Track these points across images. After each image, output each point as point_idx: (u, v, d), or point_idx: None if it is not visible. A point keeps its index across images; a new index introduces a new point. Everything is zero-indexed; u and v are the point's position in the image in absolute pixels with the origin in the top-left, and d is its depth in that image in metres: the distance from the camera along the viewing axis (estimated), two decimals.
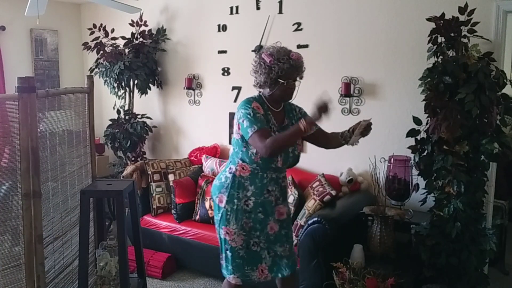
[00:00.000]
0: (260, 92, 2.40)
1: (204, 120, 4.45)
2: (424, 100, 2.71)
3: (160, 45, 4.60)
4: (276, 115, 2.38)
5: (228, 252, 2.38)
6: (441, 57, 2.70)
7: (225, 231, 2.37)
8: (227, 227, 2.36)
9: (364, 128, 2.22)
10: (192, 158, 4.21)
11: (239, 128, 2.30)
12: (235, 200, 2.34)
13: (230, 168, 2.39)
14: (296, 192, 3.25)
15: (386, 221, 2.85)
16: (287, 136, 2.21)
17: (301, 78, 2.37)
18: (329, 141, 2.47)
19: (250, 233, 2.37)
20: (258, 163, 2.29)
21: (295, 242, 3.06)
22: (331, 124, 3.60)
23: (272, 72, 2.25)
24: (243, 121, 2.25)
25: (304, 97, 3.75)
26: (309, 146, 3.79)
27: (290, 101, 2.43)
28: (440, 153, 2.67)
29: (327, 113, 2.14)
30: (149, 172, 3.88)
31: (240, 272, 2.38)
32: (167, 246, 3.68)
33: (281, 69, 2.24)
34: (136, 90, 4.58)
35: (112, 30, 4.54)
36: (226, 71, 4.23)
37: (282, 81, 2.27)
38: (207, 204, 3.60)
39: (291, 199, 3.23)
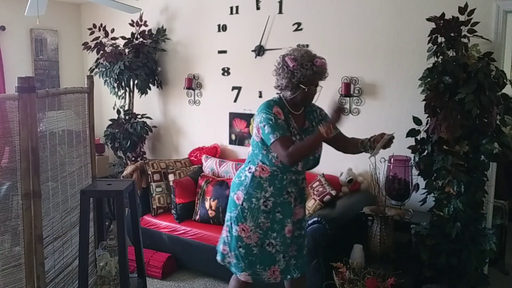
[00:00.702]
0: (280, 94, 2.38)
1: (204, 120, 4.45)
2: (424, 100, 2.71)
3: (160, 45, 4.60)
4: (297, 118, 2.37)
5: (241, 249, 2.36)
6: (441, 57, 2.70)
7: (241, 228, 2.35)
8: (243, 223, 2.35)
9: (386, 142, 2.24)
10: (192, 158, 4.21)
11: (259, 132, 2.28)
12: (253, 199, 2.34)
13: (249, 168, 2.38)
14: None
15: (386, 221, 2.85)
16: (309, 143, 2.23)
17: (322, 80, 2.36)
18: (349, 146, 2.47)
19: (266, 233, 2.36)
20: (278, 166, 2.29)
21: None
22: None
23: (295, 77, 2.22)
24: (264, 126, 2.24)
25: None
26: None
27: (309, 105, 2.43)
28: (440, 153, 2.67)
29: (343, 114, 2.16)
30: (149, 172, 3.88)
31: (251, 270, 2.37)
32: (167, 246, 3.68)
33: (303, 75, 2.22)
34: (136, 90, 4.58)
35: (112, 30, 4.54)
36: (226, 71, 4.23)
37: (304, 87, 2.24)
38: (207, 204, 3.60)
39: None
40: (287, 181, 2.35)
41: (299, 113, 2.38)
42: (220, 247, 2.50)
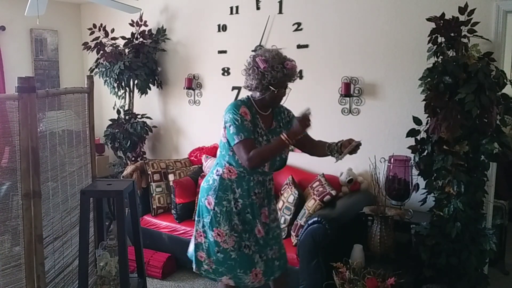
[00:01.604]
0: (249, 95, 2.38)
1: (204, 120, 4.45)
2: (424, 100, 2.71)
3: (160, 45, 4.60)
4: (264, 118, 2.37)
5: (219, 254, 2.35)
6: (441, 57, 2.70)
7: (216, 233, 2.34)
8: (218, 228, 2.34)
9: (353, 148, 2.24)
10: (192, 158, 4.21)
11: (225, 131, 2.29)
12: (224, 202, 2.34)
13: (217, 171, 2.38)
14: (296, 192, 3.25)
15: (386, 221, 2.85)
16: (271, 149, 2.24)
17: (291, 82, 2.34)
18: (315, 149, 2.45)
19: (241, 235, 2.35)
20: (244, 167, 2.27)
21: (294, 242, 3.07)
22: (331, 124, 3.62)
23: (265, 79, 2.22)
24: (229, 126, 2.24)
25: (304, 97, 3.76)
26: None
27: (277, 107, 2.42)
28: (440, 153, 2.67)
29: (309, 125, 2.15)
30: (149, 172, 3.88)
31: (232, 274, 2.36)
32: (167, 246, 3.68)
33: (274, 77, 2.21)
34: (136, 90, 4.58)
35: (112, 30, 4.54)
36: (226, 71, 4.23)
37: (273, 89, 2.24)
38: None
39: (291, 199, 3.23)
40: (254, 182, 2.35)
41: (267, 114, 2.38)
42: (196, 254, 2.44)
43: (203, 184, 2.46)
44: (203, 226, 2.40)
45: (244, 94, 4.08)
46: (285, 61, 2.25)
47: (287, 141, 2.14)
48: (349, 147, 2.24)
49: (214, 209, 2.34)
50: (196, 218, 2.48)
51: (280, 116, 2.45)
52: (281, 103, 2.39)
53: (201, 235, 2.42)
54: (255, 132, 2.28)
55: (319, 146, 2.42)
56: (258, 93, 2.30)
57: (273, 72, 2.20)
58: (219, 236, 2.34)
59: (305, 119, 2.13)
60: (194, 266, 2.47)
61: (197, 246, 2.43)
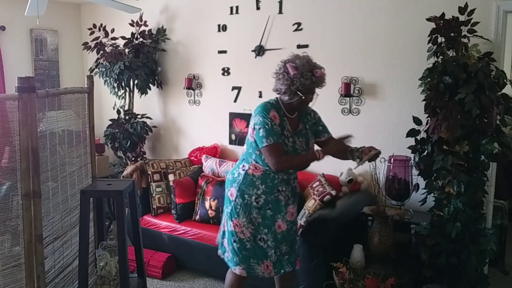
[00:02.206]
0: (278, 97, 2.46)
1: (204, 120, 4.45)
2: (424, 100, 2.71)
3: (160, 45, 4.60)
4: (291, 121, 2.45)
5: (235, 244, 2.46)
6: (441, 57, 2.70)
7: (234, 223, 2.46)
8: (237, 219, 2.46)
9: (373, 156, 2.34)
10: (192, 158, 4.21)
11: (253, 133, 2.37)
12: (246, 196, 2.44)
13: (243, 166, 2.48)
14: None
15: (386, 221, 2.85)
16: (302, 161, 2.38)
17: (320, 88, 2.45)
18: (338, 152, 2.53)
19: (258, 228, 2.46)
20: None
21: None
22: (332, 124, 3.61)
23: (294, 85, 2.30)
24: (259, 129, 2.33)
25: None
26: None
27: (304, 111, 2.53)
28: (440, 153, 2.67)
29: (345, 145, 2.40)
30: (149, 172, 3.88)
31: (245, 264, 2.46)
32: (167, 246, 3.68)
33: (302, 84, 2.30)
34: (136, 90, 4.58)
35: (112, 30, 4.54)
36: (226, 71, 4.23)
37: (301, 95, 2.33)
38: (207, 204, 3.60)
39: None
40: (278, 180, 2.45)
41: (293, 117, 2.47)
42: (222, 240, 2.59)
43: (228, 176, 2.58)
44: (225, 216, 2.55)
45: (245, 93, 4.10)
46: (314, 68, 2.34)
47: (319, 157, 2.30)
48: (369, 155, 2.33)
49: (235, 200, 2.46)
50: (223, 207, 2.63)
51: (306, 118, 2.54)
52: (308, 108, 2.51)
53: (223, 224, 2.57)
54: (282, 135, 2.37)
55: (342, 150, 2.49)
56: (286, 97, 2.38)
57: (302, 79, 2.29)
58: (237, 226, 2.45)
59: (340, 145, 2.36)
60: (220, 251, 2.62)
61: (223, 234, 2.58)
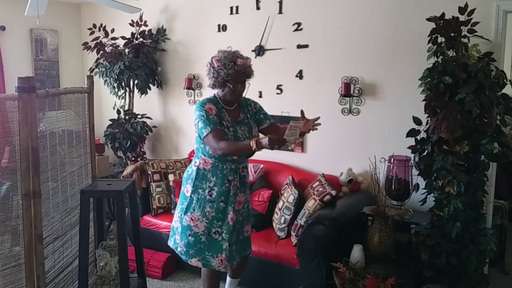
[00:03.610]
0: (215, 93, 2.64)
1: None
2: (424, 100, 2.71)
3: (160, 45, 4.60)
4: (231, 112, 2.60)
5: (190, 237, 2.57)
6: (441, 57, 2.70)
7: (190, 217, 2.58)
8: (192, 213, 2.57)
9: (293, 129, 2.25)
10: (192, 158, 4.20)
11: (196, 128, 2.52)
12: (200, 190, 2.57)
13: (195, 162, 2.63)
14: (296, 192, 3.25)
15: (386, 221, 2.85)
16: (237, 148, 2.43)
17: (250, 78, 2.58)
18: (280, 133, 2.52)
19: (212, 222, 2.56)
20: (215, 156, 2.52)
21: (294, 242, 3.07)
22: (331, 124, 3.62)
23: (220, 76, 2.48)
24: (198, 122, 2.49)
25: (304, 97, 3.76)
26: (309, 147, 3.80)
27: (239, 101, 2.63)
28: (440, 153, 2.67)
29: (276, 148, 2.26)
30: (149, 172, 3.88)
31: (200, 256, 2.57)
32: (167, 246, 3.66)
33: (226, 74, 2.46)
34: (136, 90, 4.58)
35: (112, 30, 4.54)
36: None
37: (230, 85, 2.49)
38: None
39: (291, 198, 3.23)
40: (227, 170, 2.55)
41: (233, 108, 2.62)
42: (175, 236, 2.68)
43: (185, 174, 2.71)
44: (179, 212, 2.65)
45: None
46: (236, 58, 2.49)
47: (253, 148, 2.31)
48: (288, 127, 2.24)
49: (190, 196, 2.59)
50: (177, 204, 2.74)
51: (247, 109, 2.69)
52: (242, 97, 2.61)
53: (176, 221, 2.67)
54: (221, 125, 2.50)
55: (282, 132, 2.47)
56: (219, 91, 2.57)
57: (226, 70, 2.46)
58: (192, 220, 2.57)
59: (275, 141, 2.23)
60: (171, 244, 2.71)
61: (176, 230, 2.67)
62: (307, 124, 2.38)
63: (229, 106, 2.59)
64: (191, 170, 2.63)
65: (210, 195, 2.55)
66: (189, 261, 2.61)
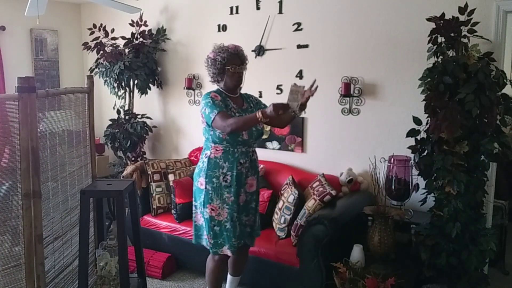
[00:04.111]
0: (218, 87, 2.74)
1: None
2: (424, 100, 2.71)
3: (160, 45, 4.60)
4: (235, 100, 2.71)
5: (216, 227, 2.64)
6: (441, 57, 2.70)
7: (210, 208, 2.63)
8: (211, 204, 2.63)
9: (294, 93, 2.42)
10: (192, 158, 4.21)
11: (203, 117, 2.61)
12: (214, 179, 2.62)
13: (205, 154, 2.69)
14: (296, 191, 3.25)
15: (386, 221, 2.85)
16: (245, 121, 2.52)
17: (246, 64, 2.73)
18: (282, 120, 2.75)
19: (233, 206, 2.63)
20: (227, 139, 2.60)
21: (294, 242, 3.07)
22: (331, 124, 3.62)
23: (216, 62, 2.61)
24: (205, 110, 2.58)
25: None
26: (309, 146, 3.80)
27: (240, 85, 2.74)
28: (440, 153, 2.67)
29: (280, 113, 2.38)
30: (149, 172, 3.88)
31: (229, 243, 2.63)
32: (167, 246, 3.68)
33: (222, 57, 2.61)
34: (136, 90, 4.58)
35: (112, 30, 4.54)
36: None
37: (228, 67, 2.61)
38: None
39: (291, 198, 3.23)
40: (238, 153, 2.63)
41: (236, 96, 2.75)
42: (200, 234, 2.74)
43: (195, 171, 2.76)
44: (199, 208, 2.70)
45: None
46: (228, 45, 2.67)
47: (260, 118, 2.41)
48: (289, 92, 2.42)
49: (206, 187, 2.64)
50: (193, 204, 2.76)
51: (249, 99, 2.84)
52: (242, 82, 2.72)
53: (198, 218, 2.72)
54: (228, 110, 2.61)
55: (284, 116, 2.66)
56: (221, 80, 2.67)
57: (221, 54, 2.61)
58: (213, 210, 2.63)
59: (279, 107, 2.37)
60: (194, 240, 2.79)
61: (197, 228, 2.74)
62: (306, 92, 2.47)
63: (233, 94, 2.71)
64: (201, 163, 2.70)
65: (226, 181, 2.61)
66: (220, 251, 2.67)
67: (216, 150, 2.63)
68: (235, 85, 2.69)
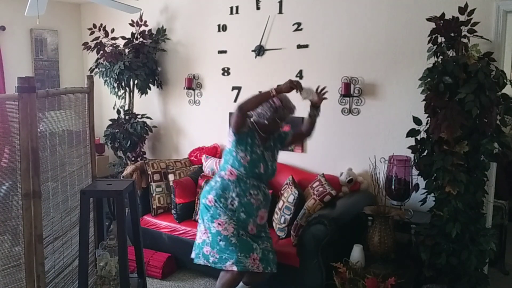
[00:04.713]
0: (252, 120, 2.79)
1: (204, 120, 4.45)
2: (424, 100, 2.71)
3: (160, 45, 4.60)
4: (261, 137, 2.77)
5: (222, 242, 2.65)
6: (441, 57, 2.70)
7: (217, 223, 2.68)
8: (218, 219, 2.69)
9: (307, 92, 2.70)
10: (192, 158, 4.21)
11: (230, 137, 2.71)
12: (222, 199, 2.71)
13: (219, 174, 2.80)
14: (296, 192, 3.25)
15: (386, 221, 2.85)
16: (257, 96, 2.69)
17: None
18: (305, 130, 2.92)
19: (238, 223, 2.69)
20: (245, 166, 2.68)
21: (294, 242, 3.07)
22: (331, 124, 3.62)
23: (277, 112, 2.67)
24: (230, 122, 2.89)
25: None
26: (309, 146, 3.80)
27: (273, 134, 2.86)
28: (440, 153, 2.67)
29: (294, 87, 2.63)
30: (149, 172, 3.88)
31: (234, 258, 2.62)
32: (167, 246, 3.68)
33: (283, 114, 2.69)
34: (136, 90, 4.58)
35: (112, 30, 4.53)
36: (226, 71, 4.23)
37: (279, 121, 2.71)
38: None
39: (291, 198, 3.23)
40: (250, 185, 2.71)
41: (264, 136, 2.80)
42: (203, 250, 2.75)
43: (206, 187, 2.85)
44: (205, 223, 2.74)
45: (245, 93, 4.10)
46: (292, 106, 2.74)
47: (272, 92, 2.61)
48: (303, 91, 2.68)
49: (214, 204, 2.72)
50: (199, 221, 2.84)
51: (273, 136, 2.87)
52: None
53: (204, 233, 2.75)
54: (252, 142, 2.71)
55: (304, 124, 2.90)
56: (265, 121, 2.71)
57: (285, 111, 2.69)
58: (219, 225, 2.68)
59: (293, 81, 2.62)
60: (200, 261, 2.77)
61: (203, 243, 2.76)
62: (319, 95, 2.75)
63: (262, 133, 2.78)
64: (214, 182, 2.79)
65: (232, 205, 2.70)
66: (224, 266, 2.65)
67: (231, 173, 2.72)
68: (271, 133, 2.80)
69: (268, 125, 2.72)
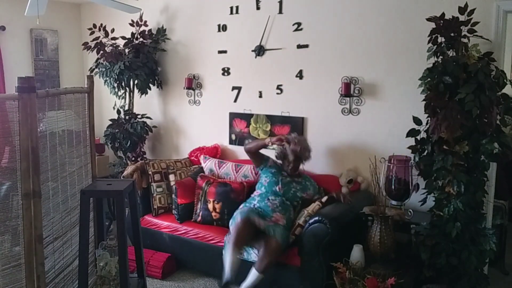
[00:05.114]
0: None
1: (204, 120, 4.45)
2: (424, 100, 2.71)
3: (160, 45, 4.60)
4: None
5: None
6: (441, 57, 2.70)
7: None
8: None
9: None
10: (193, 158, 4.21)
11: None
12: (247, 204, 3.30)
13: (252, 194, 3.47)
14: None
15: (386, 221, 2.85)
16: (256, 143, 3.47)
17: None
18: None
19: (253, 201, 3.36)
20: (265, 186, 3.35)
21: (292, 239, 3.07)
22: (331, 124, 3.62)
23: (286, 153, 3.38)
24: None
25: (304, 97, 3.76)
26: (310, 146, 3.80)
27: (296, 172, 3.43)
28: (440, 153, 2.67)
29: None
30: (150, 172, 3.88)
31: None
32: (168, 246, 3.67)
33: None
34: (136, 90, 4.58)
35: (112, 30, 4.54)
36: (226, 71, 4.23)
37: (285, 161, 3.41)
38: (210, 206, 3.56)
39: None
40: (269, 200, 3.24)
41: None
42: None
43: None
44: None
45: (245, 93, 4.11)
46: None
47: (269, 143, 3.35)
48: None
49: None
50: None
51: (306, 178, 3.41)
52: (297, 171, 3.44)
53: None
54: (279, 172, 3.40)
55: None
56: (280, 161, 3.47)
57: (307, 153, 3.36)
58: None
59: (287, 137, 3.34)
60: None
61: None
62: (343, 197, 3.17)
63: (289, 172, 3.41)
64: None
65: (254, 206, 3.26)
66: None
67: (256, 192, 3.42)
68: (289, 173, 3.39)
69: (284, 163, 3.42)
